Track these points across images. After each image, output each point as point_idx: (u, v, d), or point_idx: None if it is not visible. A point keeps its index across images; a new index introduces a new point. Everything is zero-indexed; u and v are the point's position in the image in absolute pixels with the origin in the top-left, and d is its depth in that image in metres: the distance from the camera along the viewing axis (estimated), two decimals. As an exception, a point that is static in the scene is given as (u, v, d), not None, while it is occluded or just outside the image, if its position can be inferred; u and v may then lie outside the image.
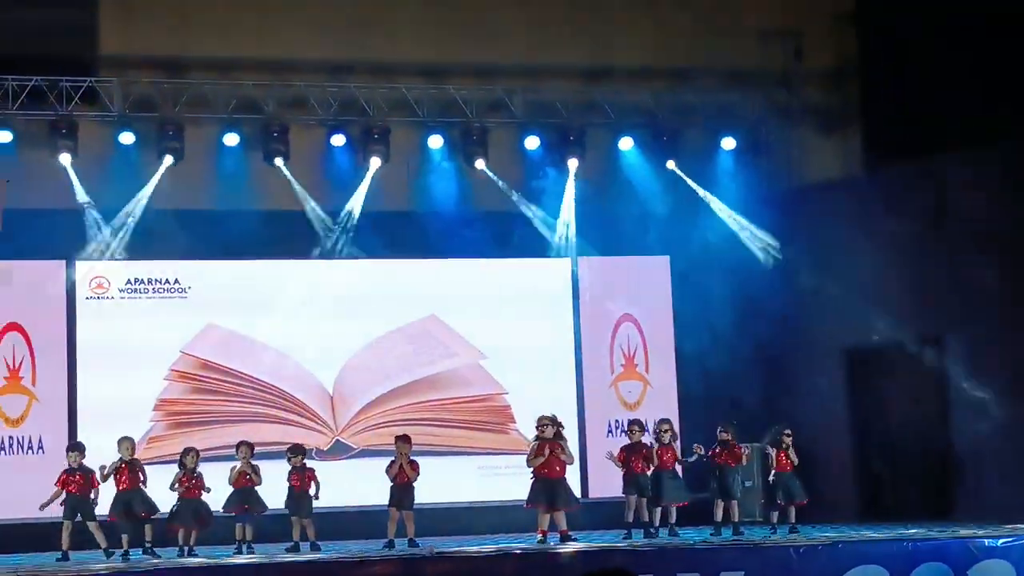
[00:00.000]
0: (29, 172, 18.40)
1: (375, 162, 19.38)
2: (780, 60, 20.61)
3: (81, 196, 18.64)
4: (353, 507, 17.93)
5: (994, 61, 17.88)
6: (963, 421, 18.02)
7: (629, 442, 16.64)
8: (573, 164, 19.92)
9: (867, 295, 18.88)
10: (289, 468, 16.35)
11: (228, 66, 19.38)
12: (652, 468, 16.50)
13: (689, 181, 20.26)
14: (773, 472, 16.79)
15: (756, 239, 20.02)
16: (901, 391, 18.98)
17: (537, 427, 15.77)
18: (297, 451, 16.50)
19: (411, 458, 16.21)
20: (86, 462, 15.84)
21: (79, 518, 15.67)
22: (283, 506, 16.27)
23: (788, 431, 16.65)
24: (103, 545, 15.66)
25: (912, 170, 18.64)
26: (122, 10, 19.28)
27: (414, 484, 16.16)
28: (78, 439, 16.97)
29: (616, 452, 16.60)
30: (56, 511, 15.74)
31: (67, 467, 15.86)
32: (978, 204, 17.94)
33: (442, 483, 18.75)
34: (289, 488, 16.29)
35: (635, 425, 16.76)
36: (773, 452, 16.73)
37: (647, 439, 16.69)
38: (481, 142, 19.67)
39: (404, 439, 16.35)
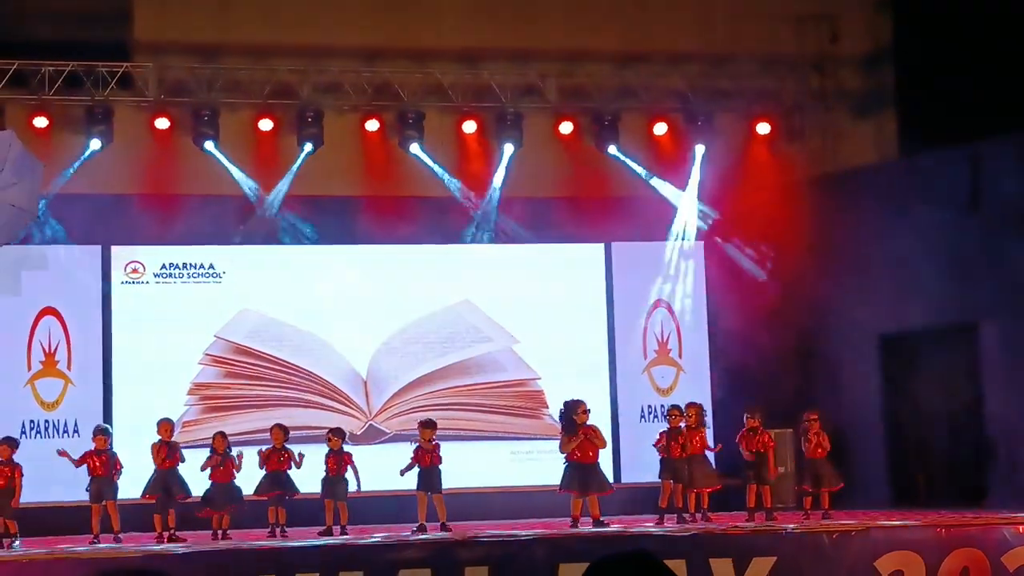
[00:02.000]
0: (65, 157, 18.49)
1: (412, 147, 19.38)
2: (815, 44, 20.52)
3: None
4: (386, 492, 17.95)
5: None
6: (997, 407, 17.92)
7: (668, 427, 16.64)
8: (613, 149, 19.88)
9: (903, 280, 18.80)
10: (326, 451, 16.41)
11: (263, 52, 19.43)
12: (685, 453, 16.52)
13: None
14: (805, 458, 16.76)
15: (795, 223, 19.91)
16: (936, 377, 18.87)
17: (574, 413, 15.77)
18: (337, 434, 16.55)
19: (435, 442, 16.22)
20: (114, 445, 15.97)
21: (103, 500, 15.78)
22: (319, 489, 16.33)
23: (814, 416, 16.58)
24: (116, 529, 15.74)
25: (948, 154, 18.52)
26: (158, -5, 19.36)
27: (440, 467, 16.19)
28: (112, 423, 17.09)
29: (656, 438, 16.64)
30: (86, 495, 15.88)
31: (93, 448, 15.97)
32: (1014, 188, 17.81)
33: (475, 468, 18.83)
34: (325, 471, 16.34)
35: (675, 410, 16.76)
36: (803, 437, 16.69)
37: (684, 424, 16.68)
38: (516, 127, 19.65)
39: (430, 424, 16.40)
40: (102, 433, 16.11)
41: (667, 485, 16.51)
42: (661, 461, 16.57)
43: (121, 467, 15.99)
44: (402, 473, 16.17)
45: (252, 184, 19.16)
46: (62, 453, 15.91)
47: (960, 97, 18.55)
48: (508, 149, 19.64)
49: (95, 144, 18.65)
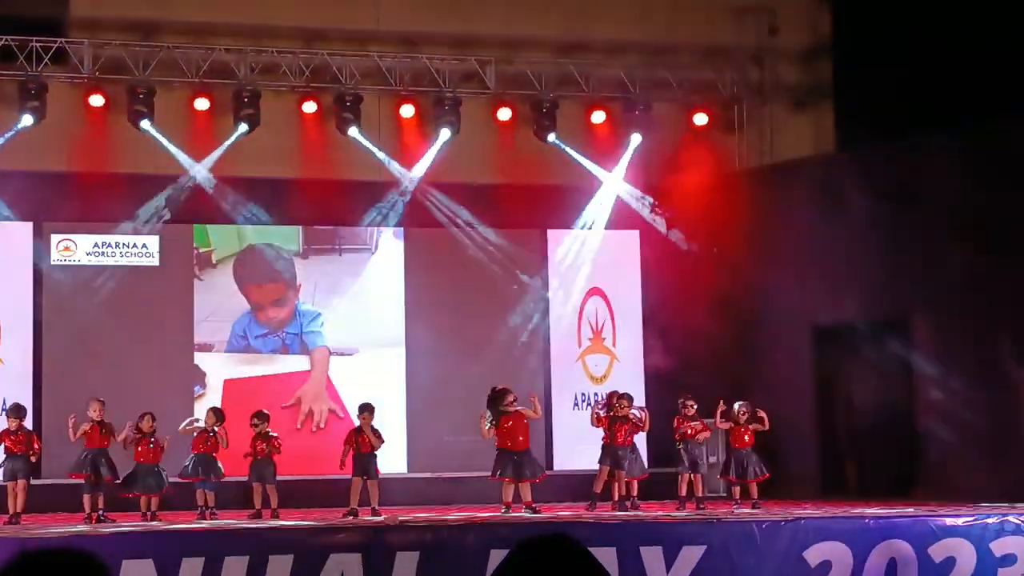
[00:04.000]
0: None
1: (350, 131, 19.30)
2: (754, 37, 20.61)
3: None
4: (319, 477, 17.88)
5: (967, 40, 17.86)
6: (928, 401, 18.07)
7: (615, 414, 16.62)
8: (552, 138, 19.87)
9: (837, 273, 18.90)
10: (254, 435, 16.32)
11: (201, 30, 19.25)
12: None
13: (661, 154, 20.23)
14: (730, 448, 16.85)
15: (729, 214, 19.99)
16: (867, 369, 19.00)
17: (502, 403, 15.78)
18: (262, 417, 16.47)
19: (374, 427, 16.22)
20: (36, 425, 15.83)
21: (18, 478, 15.61)
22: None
23: (742, 406, 16.65)
24: (17, 509, 15.55)
25: (884, 148, 18.62)
26: (95, -30, 19.14)
27: (377, 453, 16.17)
28: (42, 402, 16.93)
29: (600, 415, 16.63)
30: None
31: (7, 428, 15.79)
32: (950, 183, 17.92)
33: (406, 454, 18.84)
34: (253, 453, 16.25)
35: (624, 399, 16.72)
36: (729, 428, 16.76)
37: (632, 414, 16.67)
38: (454, 112, 19.60)
39: (368, 408, 16.36)
40: (14, 413, 15.90)
41: (603, 471, 16.52)
42: (604, 447, 16.57)
43: (39, 446, 15.81)
44: (341, 464, 16.11)
45: (189, 162, 19.01)
46: None
47: (897, 91, 18.66)
48: (445, 134, 19.58)
49: (27, 120, 18.41)
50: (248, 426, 16.36)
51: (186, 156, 19.05)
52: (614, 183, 20.21)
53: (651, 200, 20.18)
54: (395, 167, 19.72)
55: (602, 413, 16.67)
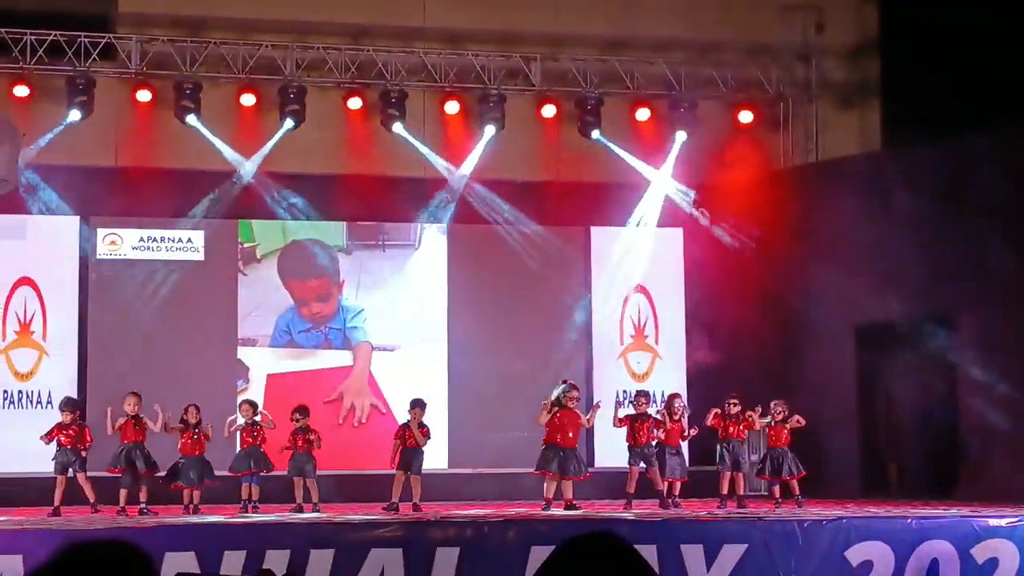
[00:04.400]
0: (45, 127, 18.42)
1: (397, 126, 19.35)
2: (801, 34, 20.53)
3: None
4: (360, 472, 17.93)
5: (1016, 39, 17.75)
6: (971, 400, 17.95)
7: (635, 412, 16.67)
8: (596, 134, 19.87)
9: (881, 271, 18.80)
10: (293, 429, 16.40)
11: (247, 27, 19.36)
12: (658, 441, 16.55)
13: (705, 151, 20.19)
14: (768, 447, 16.81)
15: (774, 211, 19.92)
16: (911, 369, 18.88)
17: (564, 394, 15.85)
18: (302, 412, 16.53)
19: (422, 423, 16.27)
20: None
21: (70, 473, 15.73)
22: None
23: (778, 404, 16.61)
24: (91, 499, 15.72)
25: (931, 147, 18.50)
26: (143, -32, 19.28)
27: (423, 448, 16.22)
28: (86, 395, 17.06)
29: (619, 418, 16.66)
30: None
31: (61, 421, 15.92)
32: (996, 183, 17.80)
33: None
34: (292, 447, 16.32)
35: (642, 396, 16.83)
36: (769, 426, 16.73)
37: (653, 410, 16.69)
38: (498, 109, 19.62)
39: (418, 404, 16.39)
40: (68, 406, 16.04)
41: (634, 471, 16.53)
42: (630, 447, 16.59)
43: (91, 440, 15.93)
44: (392, 460, 16.16)
45: (235, 158, 19.11)
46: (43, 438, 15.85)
47: (945, 89, 18.53)
48: (490, 131, 19.61)
49: (75, 115, 18.56)
50: (289, 420, 16.42)
51: (232, 151, 19.15)
52: (658, 180, 20.18)
53: (695, 197, 20.11)
54: (439, 163, 19.77)
55: (621, 414, 16.75)
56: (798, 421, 16.53)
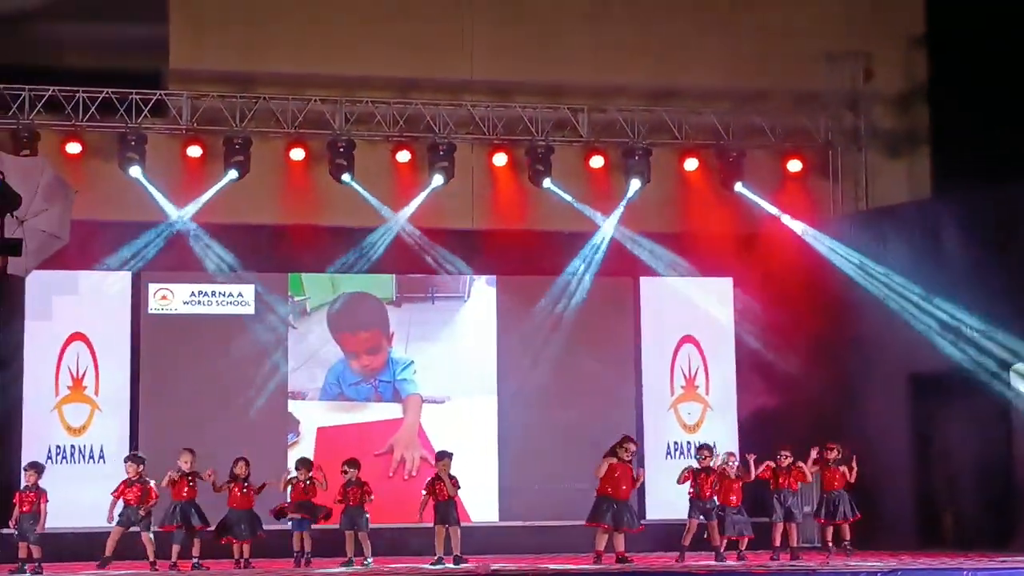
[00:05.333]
0: (97, 183, 18.59)
1: (438, 179, 19.42)
2: (849, 82, 20.48)
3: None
4: (411, 525, 17.92)
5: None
6: (1027, 450, 17.76)
7: (698, 466, 16.59)
8: (636, 184, 19.86)
9: (935, 319, 18.66)
10: (344, 482, 16.40)
11: (296, 82, 19.51)
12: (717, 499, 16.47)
13: (755, 202, 20.11)
14: (823, 490, 16.70)
15: (825, 260, 19.83)
16: (966, 417, 18.70)
17: (620, 446, 15.80)
18: (352, 464, 16.54)
19: (451, 474, 16.25)
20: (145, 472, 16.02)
21: (132, 528, 15.79)
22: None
23: (834, 447, 16.49)
24: (151, 558, 15.75)
25: (981, 194, 18.39)
26: (193, 25, 19.47)
27: (455, 498, 16.19)
28: (138, 450, 17.14)
29: (683, 473, 16.60)
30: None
31: (125, 478, 16.03)
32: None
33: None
34: (344, 500, 16.32)
35: (705, 450, 16.73)
36: (820, 469, 16.63)
37: (715, 464, 16.61)
38: (546, 161, 19.67)
39: (445, 455, 16.40)
40: (133, 461, 16.13)
41: (693, 524, 16.44)
42: (691, 499, 16.51)
43: (156, 498, 15.99)
44: (420, 513, 16.17)
45: (285, 212, 19.21)
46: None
47: (994, 135, 18.47)
48: (538, 182, 19.65)
49: (133, 171, 18.72)
50: (339, 473, 16.43)
51: (281, 205, 19.24)
52: (707, 230, 20.09)
53: (744, 247, 20.04)
54: (486, 215, 19.78)
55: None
56: (849, 471, 16.39)
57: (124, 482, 16.01)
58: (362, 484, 16.40)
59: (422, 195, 19.55)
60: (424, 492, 16.31)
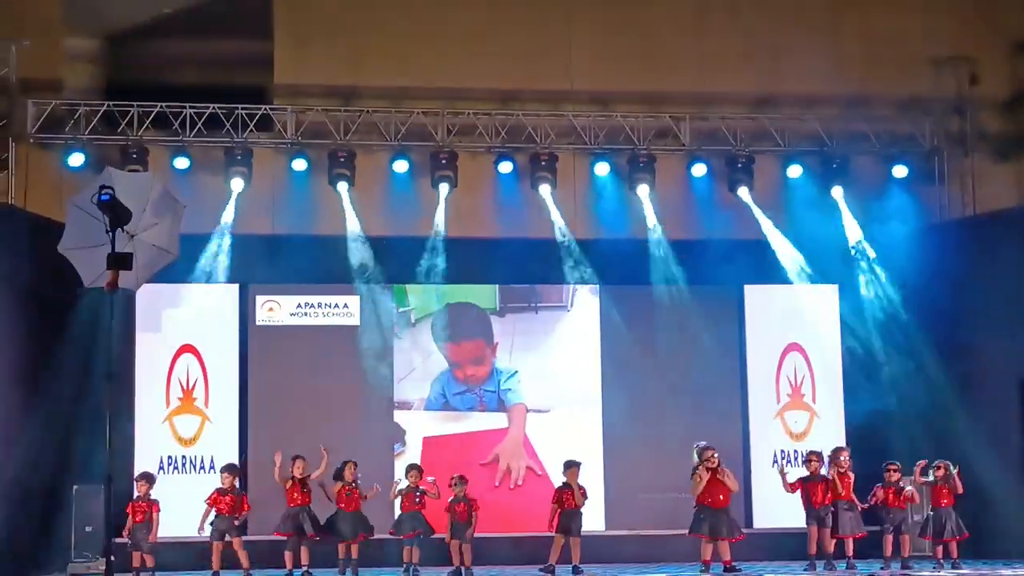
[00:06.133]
0: (205, 198, 18.88)
1: (543, 189, 19.48)
2: (954, 87, 20.28)
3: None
4: (517, 534, 17.95)
5: None
6: None
7: (808, 473, 16.48)
8: (744, 192, 19.78)
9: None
10: (452, 496, 16.47)
11: (398, 94, 19.68)
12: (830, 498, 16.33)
13: (857, 210, 19.96)
14: (931, 507, 16.50)
15: (932, 266, 19.61)
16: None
17: (702, 455, 15.71)
18: (462, 480, 16.61)
19: (580, 484, 16.26)
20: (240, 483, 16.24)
21: (227, 538, 15.98)
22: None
23: (939, 465, 16.30)
24: (245, 566, 15.94)
25: (1092, 197, 18.14)
26: (296, 40, 19.71)
27: (582, 510, 16.19)
28: (248, 460, 17.37)
29: (792, 480, 16.47)
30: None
31: (219, 487, 16.22)
32: None
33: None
34: (451, 515, 16.40)
35: (814, 456, 16.60)
36: (932, 485, 16.44)
37: (825, 470, 16.47)
38: (648, 169, 19.64)
39: (573, 464, 16.40)
40: (228, 471, 16.33)
41: (812, 531, 16.32)
42: (806, 508, 16.40)
43: (248, 508, 16.18)
44: (551, 523, 16.19)
45: (388, 224, 19.37)
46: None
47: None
48: (640, 191, 19.63)
49: (236, 185, 18.99)
50: (446, 485, 16.51)
51: (386, 216, 19.40)
52: (812, 236, 19.95)
53: (852, 253, 19.88)
54: (590, 224, 19.80)
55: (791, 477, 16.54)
56: (953, 486, 16.19)
57: (217, 491, 16.20)
58: (469, 500, 16.46)
59: (526, 206, 19.59)
60: (553, 503, 16.30)
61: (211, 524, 16.09)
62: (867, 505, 16.50)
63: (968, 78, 20.36)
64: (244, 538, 16.29)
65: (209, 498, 16.19)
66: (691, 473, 15.85)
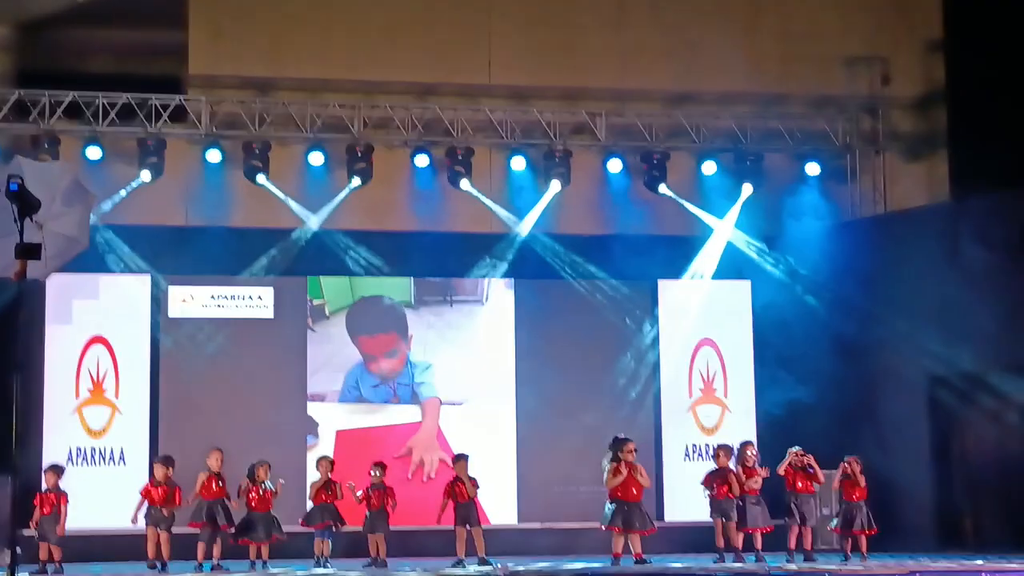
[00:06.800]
0: (117, 188, 18.73)
1: (463, 183, 19.51)
2: (867, 86, 20.51)
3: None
4: (430, 527, 17.96)
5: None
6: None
7: (716, 467, 16.62)
8: (664, 188, 19.90)
9: (953, 322, 18.66)
10: (369, 485, 16.47)
11: (315, 87, 19.60)
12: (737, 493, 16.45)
13: (773, 203, 20.15)
14: (841, 500, 16.68)
15: (844, 263, 19.83)
16: (986, 420, 18.68)
17: (621, 451, 15.77)
18: (379, 468, 16.61)
19: (470, 475, 16.32)
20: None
21: (160, 528, 15.88)
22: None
23: (854, 459, 16.48)
24: (165, 558, 15.79)
25: (999, 198, 18.38)
26: (212, 31, 19.55)
27: (475, 499, 16.26)
28: (157, 453, 17.26)
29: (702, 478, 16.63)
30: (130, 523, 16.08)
31: (153, 478, 16.11)
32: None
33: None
34: (368, 505, 16.39)
35: (721, 450, 16.73)
36: (843, 480, 16.61)
37: (733, 464, 16.60)
38: (564, 164, 19.71)
39: (462, 457, 16.49)
40: (161, 462, 16.18)
41: (718, 524, 16.45)
42: (711, 501, 16.53)
43: (180, 503, 16.07)
44: (439, 518, 16.24)
45: (303, 216, 19.30)
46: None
47: (1013, 139, 18.47)
48: (556, 186, 19.69)
49: (146, 175, 18.85)
50: (359, 475, 16.49)
51: (300, 209, 19.35)
52: (725, 233, 20.14)
53: (763, 250, 20.07)
54: (505, 219, 19.86)
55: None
56: (847, 482, 16.38)
57: (151, 482, 16.08)
58: (386, 488, 16.46)
59: (439, 200, 19.60)
60: (444, 496, 16.37)
61: (145, 515, 15.93)
62: (768, 471, 16.56)
63: (881, 78, 20.60)
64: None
65: (143, 489, 16.05)
66: (606, 466, 15.88)
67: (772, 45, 20.48)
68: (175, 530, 16.01)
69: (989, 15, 19.45)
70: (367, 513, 16.41)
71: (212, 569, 15.69)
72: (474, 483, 16.32)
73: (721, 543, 16.39)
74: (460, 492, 16.26)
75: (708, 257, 20.11)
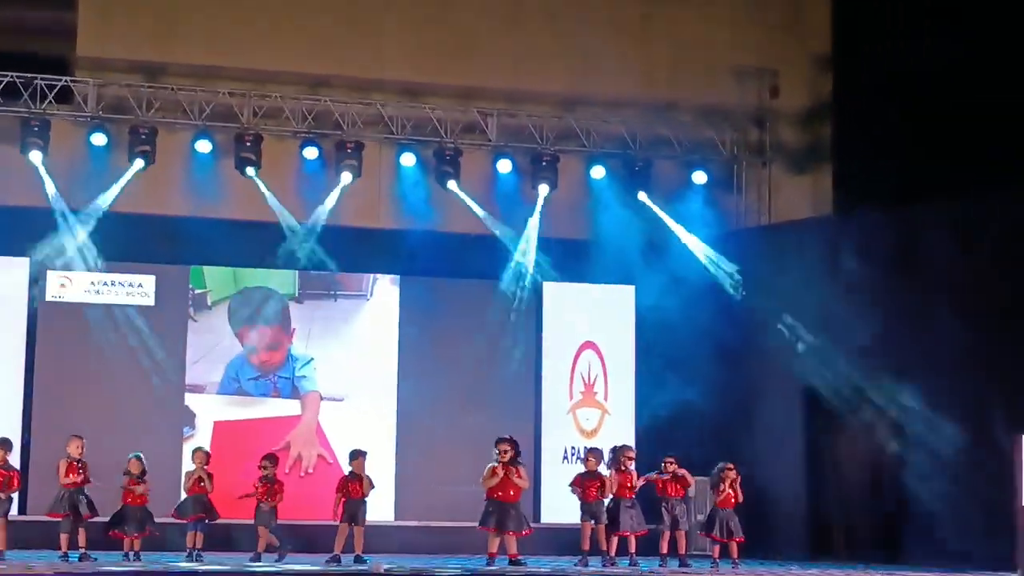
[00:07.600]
0: (-1, 168, 18.42)
1: (346, 177, 19.40)
2: (755, 97, 20.73)
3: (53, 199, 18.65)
4: (306, 522, 17.85)
5: (969, 110, 17.99)
6: (918, 464, 18.02)
7: (585, 470, 16.64)
8: (543, 190, 19.96)
9: (831, 334, 18.92)
10: (260, 477, 16.32)
11: (205, 73, 19.39)
12: (611, 496, 16.47)
13: (659, 212, 20.27)
14: (713, 507, 16.78)
15: (723, 273, 20.03)
16: (858, 432, 18.96)
17: (497, 450, 15.75)
18: (271, 461, 16.46)
19: (366, 474, 16.23)
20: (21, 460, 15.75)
21: None
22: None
23: (729, 466, 16.60)
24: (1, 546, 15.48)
25: (882, 213, 18.69)
26: (102, 12, 19.27)
27: (367, 499, 16.17)
28: (31, 438, 16.95)
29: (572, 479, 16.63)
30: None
31: None
32: (944, 250, 17.98)
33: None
34: (258, 498, 16.25)
35: (591, 454, 16.75)
36: (717, 487, 16.73)
37: (603, 468, 16.64)
38: (454, 163, 19.69)
39: (360, 454, 16.37)
40: (2, 445, 15.77)
41: (587, 527, 16.47)
42: (581, 504, 16.55)
43: (18, 486, 15.70)
44: (335, 512, 16.12)
45: (189, 203, 19.07)
46: None
47: (896, 157, 18.78)
48: (445, 184, 19.66)
49: (35, 157, 18.49)
50: (239, 469, 16.33)
51: (186, 196, 19.11)
52: (612, 238, 20.22)
53: (648, 255, 20.19)
54: (394, 214, 19.79)
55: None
56: (728, 493, 16.50)
57: None
58: (275, 482, 16.32)
59: (329, 193, 19.50)
60: (337, 491, 16.23)
61: None
62: (643, 480, 16.65)
63: (769, 90, 20.83)
64: (22, 517, 15.80)
65: None
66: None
67: (663, 53, 20.62)
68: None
69: (877, 32, 19.76)
70: (257, 505, 16.23)
71: (80, 559, 15.41)
72: (369, 481, 16.22)
73: (587, 546, 16.39)
74: (353, 489, 16.15)
75: (593, 261, 20.14)
